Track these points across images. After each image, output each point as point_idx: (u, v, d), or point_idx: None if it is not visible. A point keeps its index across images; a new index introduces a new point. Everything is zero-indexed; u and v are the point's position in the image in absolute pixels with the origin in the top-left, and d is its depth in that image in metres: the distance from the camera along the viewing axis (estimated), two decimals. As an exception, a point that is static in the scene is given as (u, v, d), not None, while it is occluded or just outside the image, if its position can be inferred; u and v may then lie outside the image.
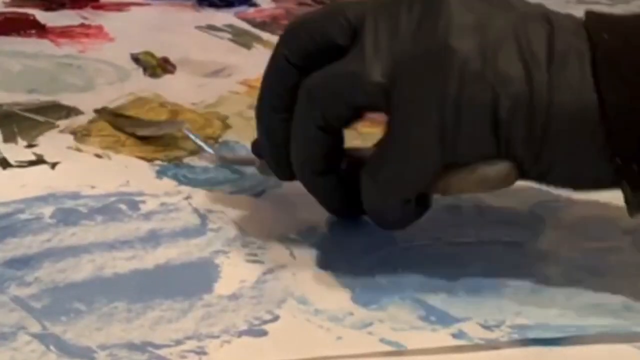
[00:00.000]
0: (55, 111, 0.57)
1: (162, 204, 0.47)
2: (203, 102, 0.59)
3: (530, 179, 0.42)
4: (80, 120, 0.56)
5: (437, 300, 0.41)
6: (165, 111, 0.58)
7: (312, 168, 0.44)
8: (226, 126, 0.56)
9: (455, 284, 0.42)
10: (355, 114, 0.43)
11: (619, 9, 0.78)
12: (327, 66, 0.42)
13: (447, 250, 0.45)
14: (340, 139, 0.44)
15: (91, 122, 0.56)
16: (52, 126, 0.55)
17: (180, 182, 0.49)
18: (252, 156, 0.48)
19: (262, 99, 0.45)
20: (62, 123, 0.55)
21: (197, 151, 0.52)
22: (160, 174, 0.50)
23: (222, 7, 0.77)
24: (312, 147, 0.43)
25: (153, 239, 0.44)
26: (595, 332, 0.39)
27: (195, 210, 0.47)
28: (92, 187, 0.48)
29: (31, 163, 0.51)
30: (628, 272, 0.43)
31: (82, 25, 0.72)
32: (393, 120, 0.41)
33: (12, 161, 0.50)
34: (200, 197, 0.48)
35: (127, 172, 0.50)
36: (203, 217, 0.46)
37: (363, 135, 0.56)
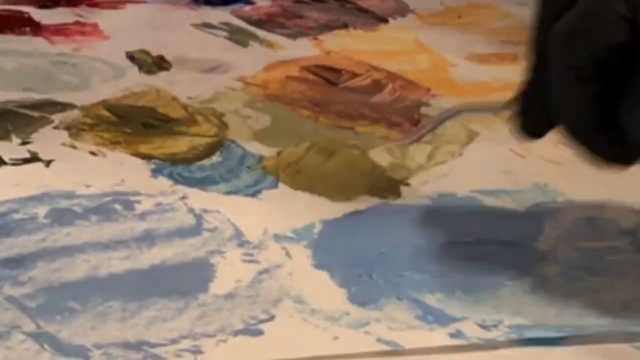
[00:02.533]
0: (50, 107, 0.56)
1: (158, 204, 0.47)
2: (199, 97, 0.59)
3: None
4: (74, 115, 0.55)
5: (434, 300, 0.41)
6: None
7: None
8: (223, 124, 0.56)
9: (453, 283, 0.42)
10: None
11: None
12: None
13: (445, 250, 0.45)
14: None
15: (86, 115, 0.55)
16: (46, 122, 0.55)
17: (176, 182, 0.49)
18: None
19: None
20: (57, 117, 0.55)
21: (196, 149, 0.52)
22: (156, 172, 0.50)
23: (217, 4, 0.77)
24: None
25: (148, 238, 0.44)
26: (594, 332, 0.39)
27: (191, 210, 0.46)
28: (87, 186, 0.48)
29: (25, 161, 0.50)
30: (626, 272, 0.44)
31: (77, 23, 0.71)
32: None
33: (6, 159, 0.50)
34: (195, 197, 0.48)
35: (122, 170, 0.50)
36: (198, 217, 0.46)
37: (360, 134, 0.56)
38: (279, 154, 0.52)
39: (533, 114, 0.42)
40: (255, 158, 0.52)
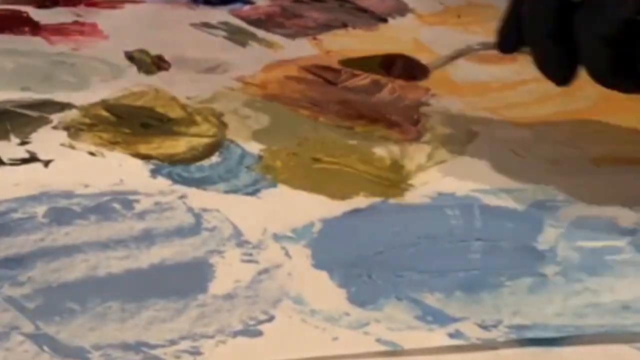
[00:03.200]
0: (49, 107, 0.56)
1: (157, 203, 0.47)
2: (198, 97, 0.59)
3: None
4: (73, 114, 0.55)
5: (433, 300, 0.41)
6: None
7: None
8: (223, 124, 0.56)
9: (453, 283, 0.42)
10: None
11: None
12: None
13: (445, 249, 0.45)
14: None
15: (85, 115, 0.55)
16: (45, 121, 0.54)
17: (175, 181, 0.49)
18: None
19: None
20: (56, 117, 0.55)
21: (195, 149, 0.52)
22: (155, 172, 0.50)
23: (216, 4, 0.77)
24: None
25: (147, 238, 0.44)
26: (594, 332, 0.39)
27: (190, 210, 0.46)
28: (86, 185, 0.48)
29: (24, 161, 0.50)
30: (626, 272, 0.43)
31: (75, 22, 0.71)
32: None
33: (5, 159, 0.50)
34: (194, 196, 0.48)
35: (121, 170, 0.50)
36: (197, 217, 0.46)
37: (359, 134, 0.56)
38: (274, 152, 0.52)
39: (508, 32, 0.49)
40: (254, 158, 0.52)
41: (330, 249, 0.44)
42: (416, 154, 0.53)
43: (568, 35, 0.45)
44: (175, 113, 0.57)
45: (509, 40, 0.49)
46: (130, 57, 0.65)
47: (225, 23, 0.73)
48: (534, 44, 0.47)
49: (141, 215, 0.46)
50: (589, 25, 0.44)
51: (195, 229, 0.45)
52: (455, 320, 0.40)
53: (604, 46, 0.44)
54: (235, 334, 0.38)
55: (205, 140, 0.54)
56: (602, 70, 0.45)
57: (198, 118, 0.56)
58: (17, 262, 0.42)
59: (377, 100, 0.61)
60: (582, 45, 0.45)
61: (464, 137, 0.56)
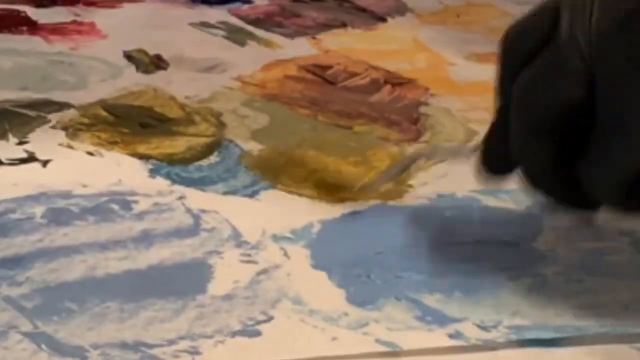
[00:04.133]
0: (47, 106, 0.56)
1: (155, 204, 0.47)
2: (196, 97, 0.59)
3: None
4: (72, 114, 0.55)
5: (433, 301, 0.41)
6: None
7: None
8: (221, 124, 0.56)
9: (452, 284, 0.42)
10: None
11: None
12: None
13: (444, 250, 0.45)
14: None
15: (83, 115, 0.55)
16: (43, 121, 0.54)
17: (174, 182, 0.49)
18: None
19: None
20: (54, 117, 0.55)
21: (194, 149, 0.52)
22: (153, 172, 0.50)
23: (215, 3, 0.77)
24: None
25: (146, 239, 0.44)
26: (594, 332, 0.39)
27: (189, 210, 0.46)
28: (84, 186, 0.48)
29: (22, 161, 0.50)
30: (626, 273, 0.43)
31: (74, 22, 0.71)
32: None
33: (3, 159, 0.50)
34: (193, 197, 0.48)
35: (120, 170, 0.50)
36: (196, 217, 0.46)
37: (357, 134, 0.55)
38: (264, 151, 0.52)
39: (494, 158, 0.42)
40: (253, 157, 0.52)
41: (329, 249, 0.44)
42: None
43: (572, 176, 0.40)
44: (173, 113, 0.56)
45: (500, 169, 0.43)
46: (128, 56, 0.65)
47: (224, 22, 0.73)
48: (536, 189, 0.41)
49: (140, 216, 0.46)
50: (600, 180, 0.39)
51: (193, 229, 0.45)
52: (454, 320, 0.40)
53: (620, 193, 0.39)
54: (234, 334, 0.38)
55: (204, 140, 0.53)
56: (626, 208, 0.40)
57: (197, 118, 0.56)
58: (16, 262, 0.41)
59: (376, 99, 0.61)
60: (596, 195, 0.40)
61: (463, 137, 0.56)
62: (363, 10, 0.78)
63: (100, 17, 0.72)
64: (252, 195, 0.48)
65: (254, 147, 0.53)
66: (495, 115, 0.42)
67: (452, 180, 0.50)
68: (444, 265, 0.43)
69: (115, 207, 0.46)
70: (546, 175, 0.40)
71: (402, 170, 0.49)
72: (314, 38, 0.71)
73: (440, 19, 0.77)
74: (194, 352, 0.37)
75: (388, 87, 0.62)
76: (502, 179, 0.43)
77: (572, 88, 0.38)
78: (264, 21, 0.74)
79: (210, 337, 0.38)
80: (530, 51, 0.39)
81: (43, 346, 0.37)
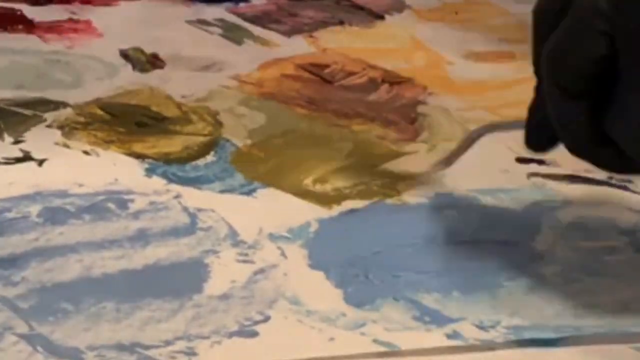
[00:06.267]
0: (43, 105, 0.56)
1: (151, 203, 0.46)
2: (193, 96, 0.59)
3: None
4: (67, 113, 0.55)
5: (431, 300, 0.41)
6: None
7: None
8: (218, 123, 0.55)
9: (450, 283, 0.42)
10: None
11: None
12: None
13: (442, 249, 0.44)
14: None
15: (79, 114, 0.55)
16: (39, 120, 0.54)
17: (170, 181, 0.49)
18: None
19: None
20: (50, 116, 0.55)
21: (190, 148, 0.52)
22: (150, 171, 0.50)
23: (212, 1, 0.76)
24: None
25: (142, 238, 0.44)
26: (592, 332, 0.39)
27: (185, 209, 0.46)
28: (80, 185, 0.47)
29: (18, 160, 0.50)
30: (625, 273, 0.43)
31: (70, 20, 0.71)
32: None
33: (-2, 158, 0.50)
34: (190, 196, 0.47)
35: (116, 169, 0.50)
36: (193, 216, 0.46)
37: (355, 133, 0.55)
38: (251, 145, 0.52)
39: (537, 130, 0.43)
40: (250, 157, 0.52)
41: (327, 249, 0.44)
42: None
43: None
44: (170, 112, 0.56)
45: (543, 141, 0.43)
46: (125, 55, 0.65)
47: (221, 20, 0.73)
48: (577, 154, 0.42)
49: (136, 215, 0.45)
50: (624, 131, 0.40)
51: (190, 228, 0.45)
52: (452, 320, 0.40)
53: None
54: (231, 335, 0.38)
55: (201, 139, 0.53)
56: None
57: (193, 117, 0.56)
58: (11, 262, 0.41)
59: (374, 98, 0.61)
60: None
61: (461, 136, 0.56)
62: (360, 8, 0.77)
63: (96, 15, 0.72)
64: (248, 194, 0.48)
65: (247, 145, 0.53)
66: (535, 88, 0.43)
67: (450, 179, 0.50)
68: (442, 265, 0.43)
69: (112, 206, 0.46)
70: (583, 136, 0.40)
71: (464, 151, 0.49)
72: (311, 36, 0.71)
73: (439, 16, 0.77)
74: (191, 352, 0.37)
75: (386, 86, 0.62)
76: (547, 149, 0.43)
77: (596, 47, 0.39)
78: (261, 18, 0.74)
79: (207, 337, 0.38)
80: (556, 15, 0.40)
81: (39, 348, 0.36)
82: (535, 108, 0.43)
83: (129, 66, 0.63)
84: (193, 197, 0.47)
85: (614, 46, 0.39)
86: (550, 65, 0.40)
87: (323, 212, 0.47)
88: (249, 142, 0.53)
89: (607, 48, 0.39)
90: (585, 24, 0.39)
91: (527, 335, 0.39)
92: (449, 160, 0.50)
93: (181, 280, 0.41)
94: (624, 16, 0.38)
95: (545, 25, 0.41)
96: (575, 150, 0.41)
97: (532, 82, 0.42)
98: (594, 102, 0.40)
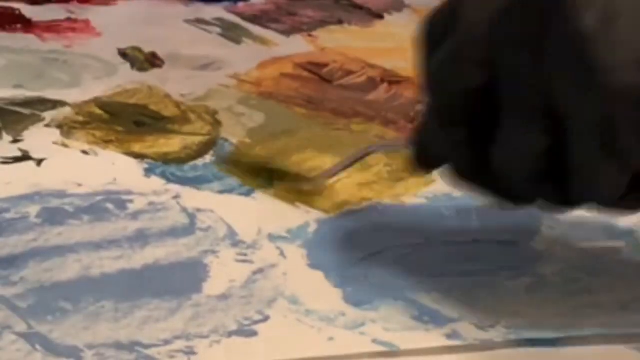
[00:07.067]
0: (42, 104, 0.56)
1: (150, 203, 0.46)
2: (192, 95, 0.58)
3: None
4: (66, 112, 0.55)
5: (430, 300, 0.41)
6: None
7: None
8: (217, 122, 0.55)
9: (450, 283, 0.42)
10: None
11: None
12: None
13: (441, 249, 0.44)
14: None
15: (78, 113, 0.55)
16: (38, 119, 0.54)
17: (169, 181, 0.49)
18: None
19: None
20: (48, 115, 0.54)
21: (189, 148, 0.52)
22: (148, 172, 0.49)
23: (211, 1, 0.76)
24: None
25: (141, 238, 0.44)
26: (591, 332, 0.39)
27: (184, 210, 0.46)
28: (79, 185, 0.47)
29: (16, 159, 0.50)
30: (624, 273, 0.43)
31: (68, 19, 0.71)
32: None
33: (-3, 158, 0.50)
34: (189, 196, 0.47)
35: (115, 169, 0.50)
36: (192, 217, 0.46)
37: (355, 133, 0.55)
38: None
39: (423, 150, 0.41)
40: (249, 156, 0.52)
41: (326, 249, 0.44)
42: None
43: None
44: (169, 111, 0.56)
45: (429, 161, 0.42)
46: (123, 54, 0.64)
47: (220, 19, 0.73)
48: (460, 179, 0.40)
49: (135, 216, 0.45)
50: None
51: (189, 229, 0.45)
52: (452, 320, 0.39)
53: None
54: (230, 334, 0.38)
55: (200, 139, 0.53)
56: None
57: (192, 116, 0.56)
58: (10, 262, 0.41)
59: (373, 98, 0.61)
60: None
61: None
62: (359, 7, 0.77)
63: (94, 14, 0.72)
64: (247, 194, 0.48)
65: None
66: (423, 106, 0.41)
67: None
68: (441, 265, 0.43)
69: (110, 206, 0.46)
70: (467, 165, 0.39)
71: (350, 165, 0.49)
72: (310, 35, 0.71)
73: (437, 16, 0.77)
74: (190, 352, 0.37)
75: (385, 85, 0.62)
76: (433, 170, 0.42)
77: (470, 75, 0.38)
78: (260, 18, 0.74)
79: (206, 337, 0.38)
80: (443, 32, 0.39)
81: (37, 346, 0.36)
82: (423, 128, 0.41)
83: (128, 65, 0.63)
84: (192, 197, 0.47)
85: (492, 74, 0.37)
86: (429, 91, 0.39)
87: (322, 212, 0.47)
88: (248, 141, 0.53)
89: (482, 77, 0.38)
90: (463, 50, 0.38)
91: (527, 335, 0.39)
92: (330, 172, 0.49)
93: (180, 280, 0.41)
94: (499, 44, 0.37)
95: (432, 41, 0.40)
96: (462, 178, 0.40)
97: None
98: (476, 131, 0.38)
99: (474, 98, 0.38)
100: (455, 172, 0.40)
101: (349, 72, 0.64)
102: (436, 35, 0.40)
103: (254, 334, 0.38)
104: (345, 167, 0.49)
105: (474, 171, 0.39)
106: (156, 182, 0.49)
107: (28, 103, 0.56)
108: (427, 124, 0.41)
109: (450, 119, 0.39)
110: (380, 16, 0.76)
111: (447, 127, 0.39)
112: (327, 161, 0.51)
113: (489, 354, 0.38)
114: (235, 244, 0.44)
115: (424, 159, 0.42)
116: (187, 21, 0.72)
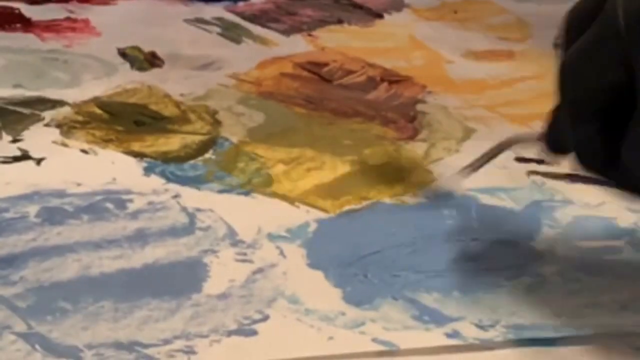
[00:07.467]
0: (41, 104, 0.56)
1: (150, 203, 0.46)
2: (192, 94, 0.58)
3: None
4: (66, 112, 0.55)
5: (430, 300, 0.41)
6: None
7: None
8: (217, 122, 0.55)
9: (449, 283, 0.42)
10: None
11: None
12: None
13: (441, 249, 0.44)
14: None
15: (78, 113, 0.55)
16: (37, 119, 0.54)
17: (169, 180, 0.49)
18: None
19: None
20: (48, 114, 0.54)
21: (189, 147, 0.52)
22: (148, 171, 0.49)
23: (211, 0, 0.76)
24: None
25: (140, 238, 0.44)
26: (592, 332, 0.39)
27: (184, 209, 0.46)
28: (78, 184, 0.47)
29: (16, 159, 0.50)
30: (624, 272, 0.43)
31: (68, 19, 0.71)
32: None
33: (-4, 157, 0.50)
34: (188, 196, 0.47)
35: (114, 168, 0.49)
36: (191, 216, 0.45)
37: (355, 131, 0.55)
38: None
39: (556, 143, 0.41)
40: (248, 156, 0.52)
41: (326, 248, 0.44)
42: (412, 152, 0.53)
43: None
44: (168, 110, 0.56)
45: (561, 149, 0.41)
46: (123, 53, 0.64)
47: (220, 19, 0.73)
48: (587, 170, 0.40)
49: (134, 215, 0.45)
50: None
51: (189, 228, 0.45)
52: (452, 320, 0.39)
53: None
54: (230, 334, 0.38)
55: (199, 138, 0.53)
56: None
57: (192, 115, 0.56)
58: (9, 262, 0.41)
59: (373, 97, 0.60)
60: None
61: (460, 135, 0.56)
62: (359, 7, 0.77)
63: (94, 14, 0.72)
64: (247, 193, 0.48)
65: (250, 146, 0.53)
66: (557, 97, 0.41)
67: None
68: (441, 265, 0.43)
69: (110, 205, 0.46)
70: (593, 158, 0.39)
71: (486, 162, 0.48)
72: (310, 35, 0.71)
73: (438, 15, 0.77)
74: (189, 351, 0.37)
75: (385, 84, 0.62)
76: (564, 156, 0.42)
77: (609, 71, 0.37)
78: (260, 17, 0.74)
79: (206, 336, 0.38)
80: (588, 20, 0.39)
81: (37, 346, 0.36)
82: (555, 117, 0.41)
83: (127, 65, 0.63)
84: (192, 196, 0.47)
85: (629, 75, 0.37)
86: (563, 82, 0.39)
87: (322, 212, 0.47)
88: (247, 140, 0.53)
89: (622, 76, 0.37)
90: (603, 45, 0.37)
91: (527, 334, 0.39)
92: (468, 169, 0.49)
93: (180, 280, 0.41)
94: (637, 44, 0.36)
95: (575, 30, 0.39)
96: (590, 169, 0.40)
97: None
98: (608, 125, 0.38)
99: (611, 95, 0.38)
100: (585, 164, 0.40)
101: (349, 72, 0.64)
102: (583, 17, 0.39)
103: (253, 333, 0.38)
104: (481, 165, 0.48)
105: (604, 165, 0.39)
106: (156, 181, 0.49)
107: (28, 102, 0.56)
108: (559, 116, 0.40)
109: (585, 113, 0.38)
110: (380, 16, 0.76)
111: (581, 120, 0.39)
112: (327, 161, 0.51)
113: (489, 353, 0.38)
114: (235, 243, 0.44)
115: (557, 151, 0.41)
116: (187, 21, 0.72)
